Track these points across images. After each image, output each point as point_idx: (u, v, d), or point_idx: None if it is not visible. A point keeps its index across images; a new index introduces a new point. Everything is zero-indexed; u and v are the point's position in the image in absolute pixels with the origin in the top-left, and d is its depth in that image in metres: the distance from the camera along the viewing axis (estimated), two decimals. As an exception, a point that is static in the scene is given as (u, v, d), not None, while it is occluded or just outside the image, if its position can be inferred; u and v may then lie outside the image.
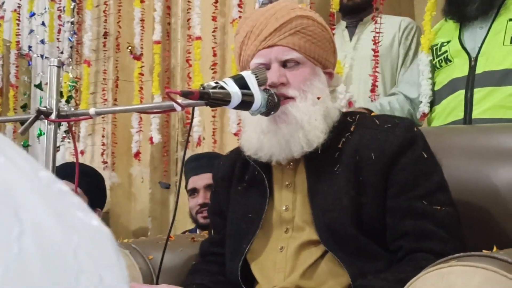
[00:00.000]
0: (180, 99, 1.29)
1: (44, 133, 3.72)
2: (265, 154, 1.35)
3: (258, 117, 1.34)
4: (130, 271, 1.48)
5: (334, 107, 1.39)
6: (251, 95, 1.28)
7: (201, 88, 1.24)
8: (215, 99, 1.24)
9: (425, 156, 1.28)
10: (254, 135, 1.38)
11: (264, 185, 1.38)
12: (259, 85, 1.31)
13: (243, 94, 1.27)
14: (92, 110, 1.46)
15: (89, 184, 2.63)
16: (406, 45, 2.51)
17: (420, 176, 1.26)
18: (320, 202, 1.30)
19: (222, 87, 1.26)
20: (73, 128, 3.53)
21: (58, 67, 1.54)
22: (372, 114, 1.44)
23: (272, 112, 1.32)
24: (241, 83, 1.29)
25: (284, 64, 1.36)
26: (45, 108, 1.50)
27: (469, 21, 1.97)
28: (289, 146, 1.32)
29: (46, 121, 1.52)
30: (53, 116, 1.50)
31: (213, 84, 1.26)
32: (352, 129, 1.35)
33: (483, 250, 1.02)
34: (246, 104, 1.28)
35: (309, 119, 1.31)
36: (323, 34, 1.38)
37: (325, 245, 1.26)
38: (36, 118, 1.51)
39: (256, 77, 1.31)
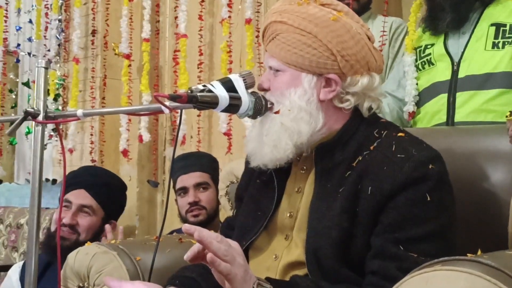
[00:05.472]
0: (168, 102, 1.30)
1: (32, 131, 3.72)
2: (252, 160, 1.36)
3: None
4: (117, 272, 1.48)
5: (309, 123, 1.29)
6: (239, 98, 1.29)
7: (189, 91, 1.25)
8: (203, 102, 1.24)
9: (429, 199, 1.18)
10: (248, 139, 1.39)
11: (275, 186, 1.38)
12: (247, 88, 1.32)
13: (230, 97, 1.27)
14: (79, 112, 1.46)
15: (109, 197, 2.44)
16: (396, 46, 2.51)
17: (410, 220, 1.18)
18: (315, 223, 1.27)
19: (210, 90, 1.26)
20: (61, 126, 3.52)
21: (46, 68, 1.54)
22: (399, 134, 1.29)
23: (259, 116, 1.33)
24: (229, 86, 1.29)
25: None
26: (32, 110, 1.49)
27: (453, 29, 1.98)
28: (261, 152, 1.32)
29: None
30: (40, 118, 1.50)
31: (201, 87, 1.26)
32: (372, 148, 1.27)
33: (468, 254, 1.03)
34: (233, 107, 1.29)
35: (270, 132, 1.30)
36: (301, 39, 1.28)
37: (309, 271, 1.25)
38: (24, 119, 1.50)
39: (244, 80, 1.32)
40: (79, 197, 2.34)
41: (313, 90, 1.30)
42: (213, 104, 1.26)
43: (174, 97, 1.20)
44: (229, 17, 2.77)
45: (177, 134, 1.37)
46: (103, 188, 2.42)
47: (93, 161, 3.30)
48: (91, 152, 3.31)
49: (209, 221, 2.48)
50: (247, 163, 1.48)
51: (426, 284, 0.93)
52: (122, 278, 1.46)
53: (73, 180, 2.37)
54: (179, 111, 1.39)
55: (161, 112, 1.36)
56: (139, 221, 3.32)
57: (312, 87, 1.30)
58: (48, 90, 3.54)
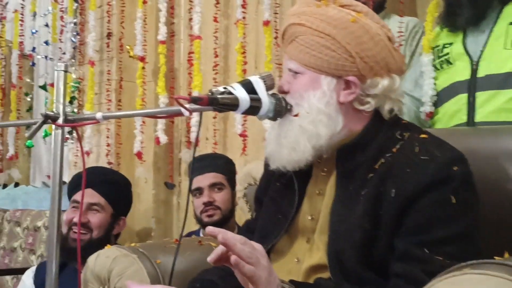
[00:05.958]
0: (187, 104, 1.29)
1: (50, 133, 3.73)
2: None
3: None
4: (138, 275, 1.48)
5: (328, 126, 1.28)
6: (259, 100, 1.28)
7: (210, 93, 1.24)
8: (224, 105, 1.24)
9: (453, 201, 1.16)
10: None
11: (295, 189, 1.37)
12: (267, 90, 1.31)
13: (251, 99, 1.27)
14: (99, 115, 1.46)
15: (116, 193, 2.53)
16: (413, 46, 2.49)
17: (435, 222, 1.16)
18: (337, 225, 1.26)
19: (230, 92, 1.26)
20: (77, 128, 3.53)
21: (65, 71, 1.54)
22: (422, 135, 1.28)
23: (279, 118, 1.32)
24: (249, 88, 1.28)
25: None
26: (52, 113, 1.50)
27: (470, 26, 1.96)
28: (280, 154, 1.31)
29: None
30: (60, 121, 1.50)
31: (221, 90, 1.26)
32: (394, 150, 1.25)
33: (495, 257, 1.02)
34: (254, 109, 1.28)
35: (289, 135, 1.30)
36: (319, 41, 1.28)
37: (332, 274, 1.24)
38: (43, 122, 1.50)
39: (264, 81, 1.31)
40: (87, 196, 2.43)
41: (332, 92, 1.29)
42: (233, 106, 1.25)
43: (195, 100, 1.20)
44: (244, 18, 2.76)
45: (197, 136, 1.37)
46: (109, 186, 2.51)
47: (109, 163, 3.30)
48: (107, 155, 3.32)
49: (224, 222, 2.49)
50: (266, 165, 1.47)
51: (454, 288, 0.92)
52: (143, 281, 1.46)
53: (80, 181, 2.46)
54: (197, 113, 1.39)
55: (181, 114, 1.36)
56: (156, 223, 3.32)
57: (331, 90, 1.29)
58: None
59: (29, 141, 3.85)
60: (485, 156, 1.47)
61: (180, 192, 3.31)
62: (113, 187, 2.52)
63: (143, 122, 3.16)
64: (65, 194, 2.54)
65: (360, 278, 1.21)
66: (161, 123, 3.04)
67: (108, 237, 2.47)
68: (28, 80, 4.11)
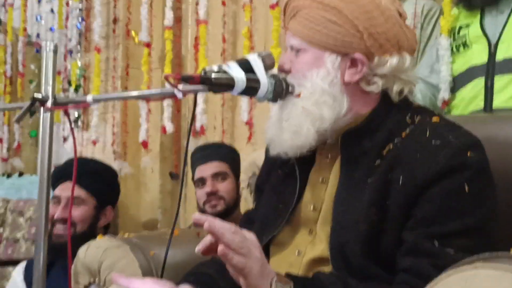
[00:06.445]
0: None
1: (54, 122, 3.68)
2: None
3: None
4: (129, 268, 1.40)
5: (332, 107, 1.18)
6: (257, 81, 1.19)
7: (203, 72, 1.15)
8: (218, 84, 1.15)
9: (467, 190, 1.07)
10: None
11: (296, 177, 1.27)
12: (266, 69, 1.22)
13: (248, 79, 1.18)
14: (89, 97, 1.38)
15: (97, 183, 2.43)
16: (428, 30, 2.38)
17: (446, 213, 1.07)
18: (341, 216, 1.17)
19: (225, 72, 1.17)
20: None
21: (54, 52, 1.46)
22: (434, 119, 1.18)
23: (279, 99, 1.23)
24: (247, 67, 1.20)
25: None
26: (40, 95, 1.42)
27: (488, 6, 1.85)
28: (281, 139, 1.22)
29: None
30: (49, 104, 1.43)
31: (216, 68, 1.17)
32: (404, 135, 1.16)
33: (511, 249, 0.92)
34: (251, 89, 1.19)
35: (291, 117, 1.20)
36: (324, 15, 1.17)
37: (334, 268, 1.15)
38: (31, 105, 1.43)
39: (263, 61, 1.22)
40: (66, 189, 2.34)
41: (337, 71, 1.19)
42: (228, 86, 1.17)
43: (186, 78, 1.12)
44: (251, 1, 2.67)
45: (191, 121, 1.27)
46: (90, 177, 2.40)
47: (115, 152, 3.24)
48: (113, 144, 3.25)
49: (228, 212, 2.40)
50: (267, 151, 1.37)
51: (465, 284, 0.82)
52: (134, 274, 1.39)
53: (59, 174, 2.36)
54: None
55: (174, 96, 1.27)
56: (162, 214, 3.26)
57: (336, 68, 1.19)
58: (69, 80, 3.50)
59: (33, 130, 3.80)
60: (503, 144, 1.38)
61: (187, 182, 3.23)
62: (94, 178, 2.41)
63: (149, 110, 3.10)
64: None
65: (365, 273, 1.12)
66: (167, 112, 2.96)
67: (94, 230, 2.38)
68: (33, 67, 4.05)
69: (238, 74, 1.17)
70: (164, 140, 3.23)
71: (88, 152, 3.42)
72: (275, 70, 1.25)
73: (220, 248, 0.97)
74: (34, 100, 1.43)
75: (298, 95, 1.20)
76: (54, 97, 1.43)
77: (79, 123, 3.48)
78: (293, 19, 1.23)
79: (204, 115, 2.88)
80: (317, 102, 1.18)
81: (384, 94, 1.23)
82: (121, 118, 3.25)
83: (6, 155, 3.99)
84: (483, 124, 1.52)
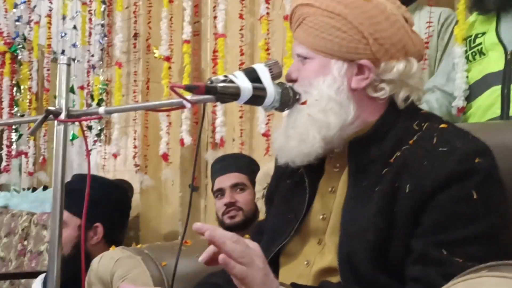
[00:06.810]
0: (190, 96, 1.21)
1: (77, 136, 3.73)
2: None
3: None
4: (141, 278, 1.40)
5: (339, 114, 1.17)
6: (263, 89, 1.19)
7: (208, 82, 1.16)
8: (223, 93, 1.15)
9: (475, 197, 1.05)
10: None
11: (306, 187, 1.27)
12: (273, 78, 1.22)
13: (254, 88, 1.17)
14: (101, 109, 1.39)
15: (79, 202, 2.29)
16: (445, 38, 2.36)
17: (456, 220, 1.05)
18: (349, 225, 1.15)
19: (231, 81, 1.17)
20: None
21: (68, 64, 1.48)
22: (442, 125, 1.16)
23: (287, 108, 1.23)
24: (253, 76, 1.20)
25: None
26: (54, 108, 1.44)
27: (504, 12, 1.82)
28: (287, 146, 1.22)
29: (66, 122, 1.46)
30: (62, 116, 1.44)
31: (222, 78, 1.17)
32: (411, 142, 1.14)
33: (520, 258, 0.90)
34: (258, 98, 1.19)
35: (297, 125, 1.20)
36: (329, 22, 1.17)
37: (342, 278, 1.13)
38: (45, 118, 1.45)
39: (270, 70, 1.22)
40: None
41: (344, 78, 1.18)
42: (234, 95, 1.17)
43: (190, 88, 1.12)
44: (267, 13, 2.68)
45: (200, 130, 1.28)
46: (69, 196, 2.27)
47: (136, 165, 3.26)
48: (134, 157, 3.28)
49: (247, 224, 2.40)
50: (276, 161, 1.37)
51: (470, 292, 0.81)
52: (146, 284, 1.39)
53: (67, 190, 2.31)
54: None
55: (183, 106, 1.28)
56: (182, 226, 3.26)
57: (343, 75, 1.18)
58: (92, 95, 3.54)
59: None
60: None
61: (207, 195, 3.24)
62: (74, 196, 2.13)
63: (169, 123, 3.12)
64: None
65: (373, 283, 1.10)
66: (185, 124, 2.98)
67: (79, 250, 2.25)
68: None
69: (244, 84, 1.17)
70: (184, 153, 3.25)
71: (110, 165, 3.45)
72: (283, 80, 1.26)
73: (221, 257, 0.97)
74: (48, 112, 1.45)
75: (304, 103, 1.20)
76: (67, 109, 1.45)
77: (102, 136, 3.51)
78: (299, 28, 1.23)
79: (223, 127, 2.89)
80: (324, 109, 1.18)
81: (391, 102, 1.22)
82: (142, 131, 3.27)
83: (32, 169, 4.06)
84: (499, 131, 1.49)
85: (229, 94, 1.16)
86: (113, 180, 2.70)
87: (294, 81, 1.25)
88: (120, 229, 2.64)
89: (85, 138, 1.48)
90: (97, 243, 2.44)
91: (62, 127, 1.46)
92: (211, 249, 1.05)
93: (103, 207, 2.42)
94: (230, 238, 0.99)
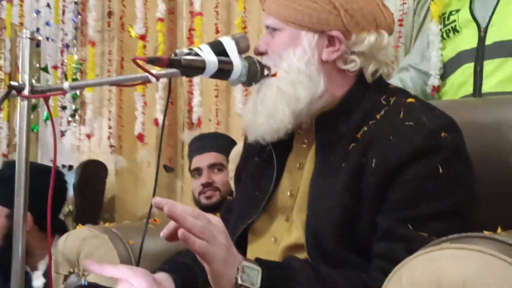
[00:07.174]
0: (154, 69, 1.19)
1: (49, 117, 3.66)
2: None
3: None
4: (108, 257, 1.38)
5: (308, 87, 1.15)
6: (230, 63, 1.16)
7: (173, 55, 1.13)
8: (188, 67, 1.12)
9: (442, 172, 1.04)
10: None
11: (274, 163, 1.25)
12: (240, 52, 1.19)
13: (220, 62, 1.15)
14: (66, 84, 1.36)
15: (7, 191, 2.19)
16: (421, 15, 2.33)
17: (421, 196, 1.05)
18: (316, 202, 1.14)
19: (196, 54, 1.14)
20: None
21: (31, 39, 1.44)
22: (409, 100, 1.15)
23: (254, 82, 1.20)
24: (219, 49, 1.17)
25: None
26: (17, 83, 1.40)
27: None
28: (256, 123, 1.19)
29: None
30: (26, 92, 1.40)
31: (186, 51, 1.14)
32: (378, 116, 1.13)
33: (485, 231, 0.89)
34: (224, 72, 1.16)
35: (266, 99, 1.17)
36: None
37: (309, 255, 1.12)
38: (8, 93, 1.41)
39: (236, 43, 1.19)
40: None
41: (314, 50, 1.16)
42: (199, 69, 1.14)
43: (152, 60, 1.09)
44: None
45: (166, 106, 1.25)
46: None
47: (111, 146, 3.22)
48: (109, 138, 3.23)
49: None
50: (245, 139, 1.35)
51: (430, 265, 0.80)
52: (113, 263, 1.36)
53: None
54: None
55: (149, 81, 1.25)
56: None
57: (313, 47, 1.16)
58: (66, 74, 3.48)
59: (34, 125, 3.79)
60: (492, 128, 1.35)
61: (184, 176, 3.21)
62: (3, 185, 2.18)
63: (145, 103, 3.07)
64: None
65: (340, 260, 1.10)
66: (159, 104, 2.94)
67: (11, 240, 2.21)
68: (34, 62, 4.04)
69: (209, 57, 1.14)
70: (160, 133, 3.21)
71: (84, 146, 3.41)
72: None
73: (180, 231, 0.94)
74: (10, 88, 1.41)
75: (274, 75, 1.18)
76: (31, 85, 1.41)
77: (77, 117, 3.46)
78: None
79: (200, 107, 2.86)
80: (293, 82, 1.16)
81: (360, 76, 1.20)
82: (117, 111, 3.23)
83: (6, 151, 3.99)
84: (472, 108, 1.49)
85: (194, 68, 1.13)
86: (41, 164, 2.57)
87: (263, 54, 1.22)
88: (55, 214, 2.47)
89: (51, 117, 1.43)
90: (30, 231, 2.23)
91: (25, 103, 1.42)
92: (172, 224, 1.02)
93: (33, 196, 2.35)
94: (190, 213, 0.96)
